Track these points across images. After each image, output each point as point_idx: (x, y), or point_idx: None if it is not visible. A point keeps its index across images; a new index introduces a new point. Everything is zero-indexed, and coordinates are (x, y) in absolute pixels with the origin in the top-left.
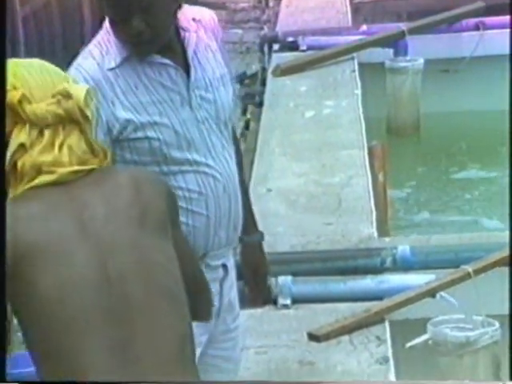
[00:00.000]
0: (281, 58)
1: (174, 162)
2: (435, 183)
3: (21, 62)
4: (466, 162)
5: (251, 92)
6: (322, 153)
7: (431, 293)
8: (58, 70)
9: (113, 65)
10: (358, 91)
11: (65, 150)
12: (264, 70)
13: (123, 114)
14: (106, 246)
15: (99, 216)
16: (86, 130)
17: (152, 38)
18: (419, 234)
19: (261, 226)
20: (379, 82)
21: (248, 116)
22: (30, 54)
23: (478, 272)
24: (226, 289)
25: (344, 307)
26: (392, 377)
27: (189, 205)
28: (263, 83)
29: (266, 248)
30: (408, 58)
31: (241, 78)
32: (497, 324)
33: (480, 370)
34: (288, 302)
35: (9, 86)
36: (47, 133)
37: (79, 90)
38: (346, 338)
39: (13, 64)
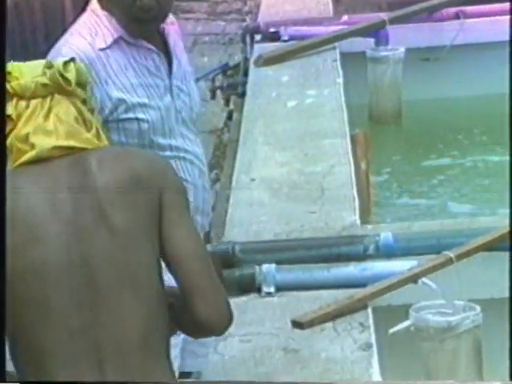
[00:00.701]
0: (263, 48)
1: (158, 147)
2: (414, 169)
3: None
4: (443, 148)
5: (234, 82)
6: (305, 142)
7: (413, 279)
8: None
9: (103, 45)
10: (340, 80)
11: (51, 117)
12: (246, 60)
13: (116, 94)
14: (74, 231)
15: (70, 200)
16: (76, 100)
17: (158, 15)
18: (399, 219)
19: (245, 215)
20: (361, 71)
21: (231, 107)
22: (12, 46)
23: (459, 257)
24: None
25: (327, 294)
26: (375, 362)
27: None
28: (245, 74)
29: (251, 237)
30: (389, 47)
31: (223, 69)
32: (478, 308)
33: (462, 354)
34: (272, 289)
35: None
36: (33, 102)
37: (60, 60)
38: (329, 324)
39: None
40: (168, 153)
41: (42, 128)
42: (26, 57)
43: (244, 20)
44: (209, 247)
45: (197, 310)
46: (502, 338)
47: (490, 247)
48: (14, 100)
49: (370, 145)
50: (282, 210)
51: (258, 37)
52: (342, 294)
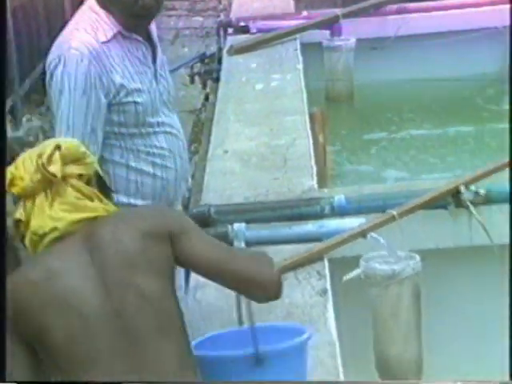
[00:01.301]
0: (234, 40)
1: (149, 125)
2: (361, 141)
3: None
4: (385, 123)
5: (210, 69)
6: (270, 119)
7: (363, 234)
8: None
9: (105, 39)
10: (300, 66)
11: (56, 205)
12: (220, 50)
13: (119, 80)
14: (113, 291)
15: (105, 264)
16: (72, 180)
17: (155, 12)
18: (350, 183)
19: (219, 182)
20: (318, 59)
21: (207, 90)
22: (20, 45)
23: (401, 215)
24: None
25: (290, 248)
26: (330, 307)
27: (163, 161)
28: (220, 62)
29: (224, 200)
30: (342, 38)
31: (201, 58)
32: (418, 257)
33: (404, 298)
34: (242, 244)
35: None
36: (38, 199)
37: (46, 147)
38: (291, 274)
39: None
40: (157, 129)
41: (54, 216)
42: (31, 51)
43: (219, 16)
44: (188, 210)
45: (258, 293)
46: (439, 284)
47: (426, 206)
48: (22, 203)
49: (327, 121)
50: (251, 177)
51: (230, 30)
52: (302, 248)
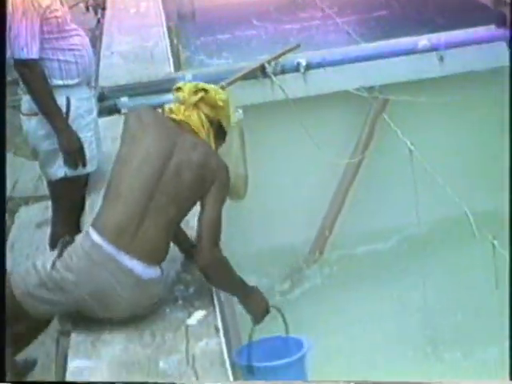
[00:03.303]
0: None
1: (67, 31)
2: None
3: None
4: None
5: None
6: (141, 30)
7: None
8: None
9: None
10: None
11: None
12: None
13: (47, 2)
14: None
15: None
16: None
17: None
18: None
19: (109, 72)
20: None
21: (98, 15)
22: None
23: (229, 84)
24: None
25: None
26: None
27: (79, 53)
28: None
29: (113, 83)
30: None
31: None
32: (240, 110)
33: (234, 142)
34: (126, 110)
35: None
36: None
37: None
38: None
39: None
40: (72, 33)
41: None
42: None
43: None
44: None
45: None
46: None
47: (246, 77)
48: None
49: (179, 31)
50: (129, 68)
51: None
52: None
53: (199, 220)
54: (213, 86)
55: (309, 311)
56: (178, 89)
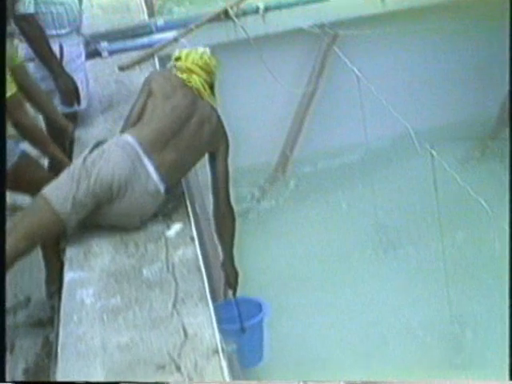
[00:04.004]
0: None
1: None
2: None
3: None
4: None
5: None
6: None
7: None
8: None
9: None
10: None
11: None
12: None
13: None
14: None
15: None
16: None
17: None
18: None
19: (90, 21)
20: None
21: None
22: None
23: (197, 27)
24: None
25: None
26: None
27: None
28: None
29: (95, 30)
30: None
31: None
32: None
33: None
34: (106, 55)
35: None
36: None
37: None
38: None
39: None
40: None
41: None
42: None
43: None
44: None
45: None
46: None
47: (210, 21)
48: None
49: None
50: (109, 18)
51: None
52: None
53: (214, 173)
54: (202, 49)
55: (274, 224)
56: (178, 58)
